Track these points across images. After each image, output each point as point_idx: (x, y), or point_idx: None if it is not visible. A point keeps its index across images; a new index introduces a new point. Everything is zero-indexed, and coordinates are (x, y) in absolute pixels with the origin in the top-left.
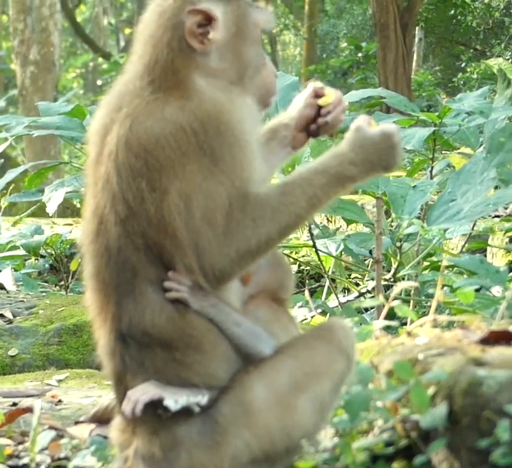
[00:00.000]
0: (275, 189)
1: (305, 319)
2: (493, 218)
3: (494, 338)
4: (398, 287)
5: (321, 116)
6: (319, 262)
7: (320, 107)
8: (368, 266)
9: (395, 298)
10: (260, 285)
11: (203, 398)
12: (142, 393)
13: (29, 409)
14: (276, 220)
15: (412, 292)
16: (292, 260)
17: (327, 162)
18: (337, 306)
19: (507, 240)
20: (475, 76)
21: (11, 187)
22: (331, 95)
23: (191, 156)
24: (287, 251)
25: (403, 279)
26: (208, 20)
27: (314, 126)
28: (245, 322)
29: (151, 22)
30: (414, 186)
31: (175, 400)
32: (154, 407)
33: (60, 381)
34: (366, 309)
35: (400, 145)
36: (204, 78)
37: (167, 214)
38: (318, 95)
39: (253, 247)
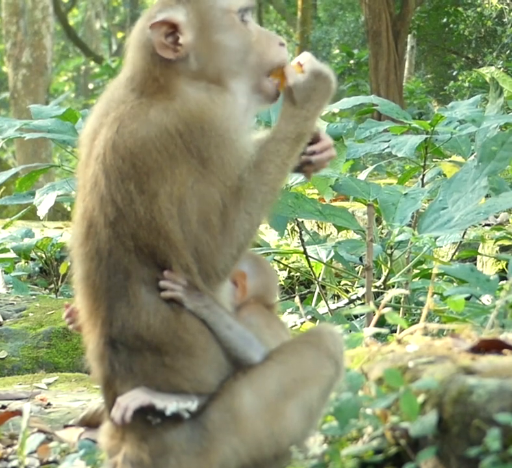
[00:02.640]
0: (254, 171)
1: (295, 325)
2: (483, 226)
3: (485, 347)
4: (389, 295)
5: (305, 154)
6: (309, 269)
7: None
8: (358, 273)
9: (385, 306)
10: (250, 292)
11: (192, 404)
12: (132, 399)
13: (18, 412)
14: (265, 201)
15: (402, 299)
16: (281, 266)
17: (285, 128)
18: (327, 313)
19: (498, 248)
20: (466, 84)
21: (2, 189)
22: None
23: (179, 158)
24: (277, 257)
25: (393, 286)
26: (173, 27)
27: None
28: (237, 326)
29: (130, 46)
30: (406, 194)
31: (164, 406)
32: (144, 413)
33: (49, 384)
34: (356, 316)
35: (331, 74)
36: (186, 81)
37: (158, 217)
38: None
39: (251, 236)
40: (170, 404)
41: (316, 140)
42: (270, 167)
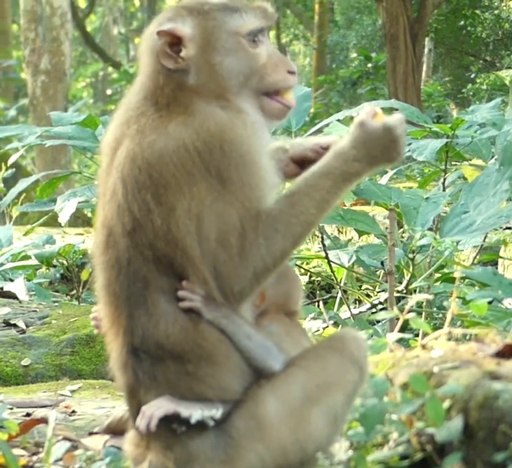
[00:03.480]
0: (283, 201)
1: (318, 330)
2: (505, 229)
3: (509, 352)
4: (413, 299)
5: None
6: (331, 273)
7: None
8: (379, 277)
9: (409, 310)
10: (269, 298)
11: (217, 412)
12: (156, 408)
13: (43, 420)
14: (289, 233)
15: (424, 304)
16: (302, 271)
17: (330, 163)
18: (349, 317)
19: None
20: (484, 87)
21: (22, 196)
22: None
23: (197, 176)
24: (298, 262)
25: (415, 290)
26: (178, 39)
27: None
28: (256, 336)
29: (140, 46)
30: (427, 198)
31: (189, 414)
32: (169, 421)
33: (73, 391)
34: (378, 321)
35: (403, 137)
36: (194, 94)
37: (175, 230)
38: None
39: (269, 264)
40: (195, 412)
41: None
42: (304, 200)
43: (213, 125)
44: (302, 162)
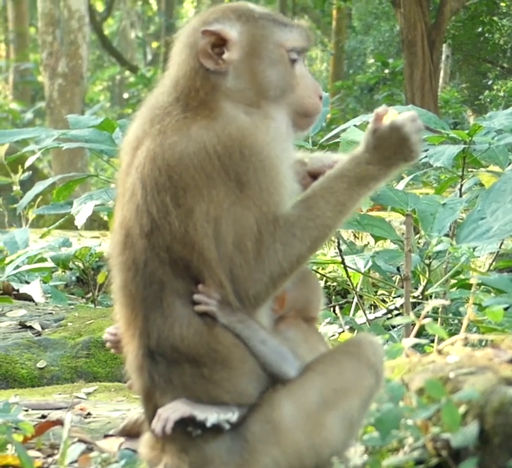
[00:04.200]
0: (299, 205)
1: (333, 335)
2: None
3: None
4: (429, 305)
5: None
6: (347, 279)
7: None
8: (395, 282)
9: (425, 316)
10: (289, 303)
11: (232, 416)
12: (172, 411)
13: (59, 422)
14: (306, 237)
15: (439, 309)
16: (318, 275)
17: (344, 167)
18: (365, 322)
19: None
20: (502, 94)
21: (38, 199)
22: None
23: (216, 180)
24: (314, 267)
25: (431, 296)
26: (223, 40)
27: None
28: (271, 341)
29: (178, 41)
30: (444, 204)
31: (205, 417)
32: (184, 424)
33: (88, 394)
34: (394, 326)
35: (413, 134)
36: (227, 98)
37: (192, 233)
38: None
39: (286, 268)
40: (211, 415)
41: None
42: (320, 203)
43: (234, 130)
44: (318, 177)
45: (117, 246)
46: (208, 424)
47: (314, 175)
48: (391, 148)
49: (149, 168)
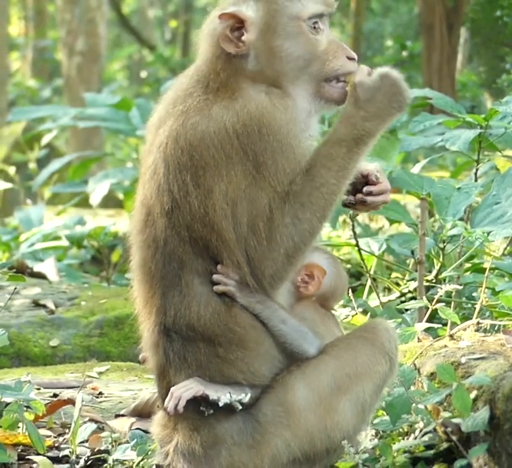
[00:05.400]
0: (302, 177)
1: (346, 318)
2: None
3: None
4: (442, 289)
5: (362, 193)
6: (361, 261)
7: (364, 184)
8: (408, 266)
9: (438, 300)
10: (322, 289)
11: (245, 396)
12: (185, 389)
13: (70, 401)
14: (314, 207)
15: (453, 293)
16: None
17: (340, 131)
18: (378, 305)
19: None
20: None
21: (55, 177)
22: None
23: (234, 159)
24: (328, 249)
25: (445, 280)
26: (241, 22)
27: (351, 198)
28: (291, 320)
29: (203, 29)
30: (459, 188)
31: (217, 397)
32: (197, 403)
33: (100, 373)
34: (406, 310)
35: (401, 80)
36: (248, 80)
37: (212, 213)
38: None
39: (299, 242)
40: (223, 395)
41: (375, 182)
42: (322, 171)
43: (254, 108)
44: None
45: (137, 224)
46: (221, 403)
47: None
48: (385, 97)
49: (172, 147)
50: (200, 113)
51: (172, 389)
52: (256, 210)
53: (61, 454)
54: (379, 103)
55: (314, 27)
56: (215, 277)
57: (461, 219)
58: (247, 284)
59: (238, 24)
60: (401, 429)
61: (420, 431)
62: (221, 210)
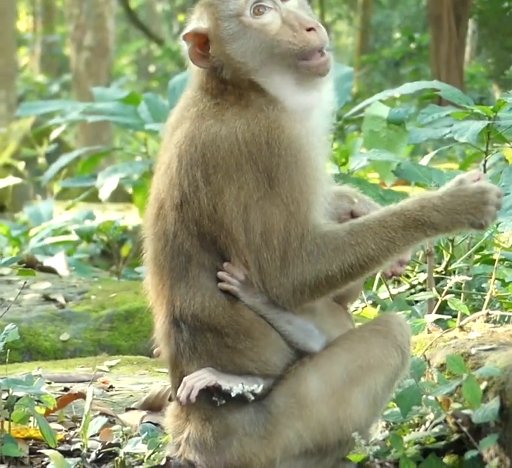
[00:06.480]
0: (342, 227)
1: (356, 310)
2: None
3: None
4: (452, 281)
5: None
6: None
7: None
8: (418, 258)
9: (447, 292)
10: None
11: (257, 387)
12: (198, 380)
13: (81, 395)
14: (337, 259)
15: (463, 285)
16: None
17: (406, 205)
18: (388, 297)
19: None
20: None
21: (64, 172)
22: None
23: (244, 166)
24: None
25: (455, 271)
26: (204, 37)
27: None
28: (296, 320)
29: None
30: None
31: (230, 387)
32: (209, 393)
33: (111, 367)
34: (416, 301)
35: (493, 206)
36: (238, 87)
37: (221, 213)
38: None
39: (310, 282)
40: (236, 386)
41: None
42: (366, 232)
43: (264, 120)
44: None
45: (150, 217)
46: (233, 394)
47: (356, 216)
48: (466, 205)
49: (187, 144)
50: (214, 117)
51: (185, 378)
52: (270, 225)
53: (72, 447)
54: (458, 205)
55: (257, 12)
56: (220, 274)
57: None
58: (251, 285)
59: (203, 39)
60: (411, 421)
61: (431, 422)
62: (231, 212)
